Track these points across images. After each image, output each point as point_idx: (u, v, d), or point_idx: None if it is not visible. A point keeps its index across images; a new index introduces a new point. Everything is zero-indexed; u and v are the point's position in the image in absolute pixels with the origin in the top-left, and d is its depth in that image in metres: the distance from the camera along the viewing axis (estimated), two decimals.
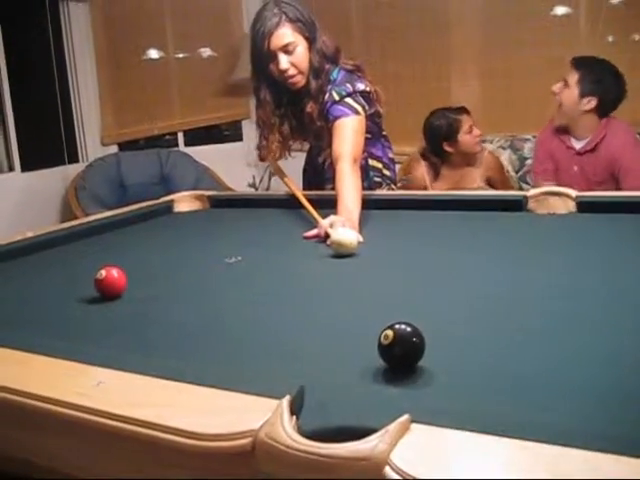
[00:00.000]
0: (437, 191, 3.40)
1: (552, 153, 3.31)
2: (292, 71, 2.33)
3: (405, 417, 0.76)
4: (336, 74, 2.38)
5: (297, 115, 2.50)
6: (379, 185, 2.71)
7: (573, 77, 3.11)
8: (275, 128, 2.47)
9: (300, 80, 2.37)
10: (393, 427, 0.74)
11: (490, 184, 3.65)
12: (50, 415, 0.91)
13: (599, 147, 3.13)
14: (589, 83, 3.07)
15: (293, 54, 2.31)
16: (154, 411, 0.86)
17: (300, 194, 2.37)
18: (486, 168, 3.63)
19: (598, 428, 0.79)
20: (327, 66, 2.38)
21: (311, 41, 2.35)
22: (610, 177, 3.11)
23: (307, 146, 2.79)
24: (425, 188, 3.64)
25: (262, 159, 2.60)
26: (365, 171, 2.65)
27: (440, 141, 3.54)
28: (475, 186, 3.57)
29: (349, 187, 2.13)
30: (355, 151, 2.25)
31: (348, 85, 2.35)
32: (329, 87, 2.36)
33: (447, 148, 3.54)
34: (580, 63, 3.14)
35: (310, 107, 2.39)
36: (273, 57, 2.31)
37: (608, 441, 0.72)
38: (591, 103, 3.08)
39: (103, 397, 0.92)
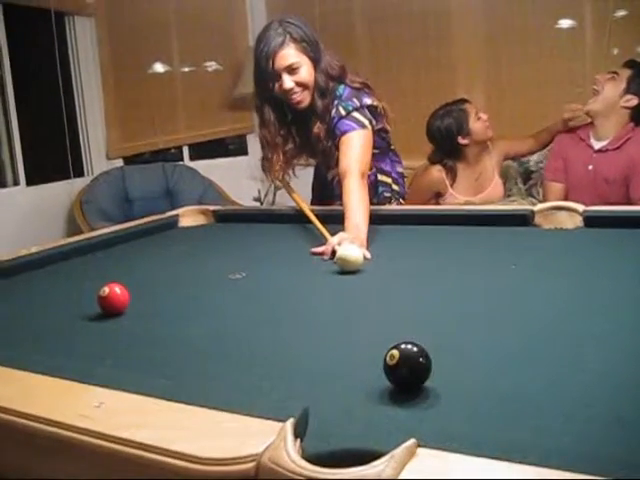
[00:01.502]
0: (442, 206, 3.37)
1: (565, 151, 3.34)
2: (296, 91, 2.32)
3: (412, 441, 0.75)
4: (342, 90, 2.38)
5: (302, 134, 2.49)
6: (388, 200, 2.70)
7: (625, 72, 3.17)
8: (279, 148, 2.46)
9: (304, 100, 2.35)
10: (399, 452, 0.72)
11: (508, 156, 3.66)
12: (50, 437, 0.90)
13: (622, 147, 3.15)
14: (638, 84, 3.14)
15: (297, 74, 2.30)
16: (156, 434, 0.85)
17: (308, 210, 2.35)
18: (498, 153, 3.60)
19: (617, 455, 0.77)
20: (332, 85, 2.37)
21: (315, 61, 2.34)
22: (623, 178, 3.13)
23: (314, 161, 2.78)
24: (441, 194, 3.57)
25: (267, 175, 2.58)
26: (374, 186, 2.64)
27: (454, 137, 3.45)
28: (492, 185, 3.54)
29: (356, 203, 2.12)
30: (362, 165, 2.24)
31: (355, 100, 2.35)
32: (335, 103, 2.36)
33: (462, 142, 3.45)
34: (635, 63, 3.21)
35: (317, 128, 2.38)
36: (277, 77, 2.30)
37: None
38: (632, 101, 3.14)
39: (104, 419, 0.91)
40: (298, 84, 2.31)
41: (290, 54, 2.28)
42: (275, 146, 2.46)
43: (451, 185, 3.55)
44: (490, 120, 3.53)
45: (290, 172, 2.56)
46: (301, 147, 2.53)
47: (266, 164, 2.51)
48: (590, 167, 3.23)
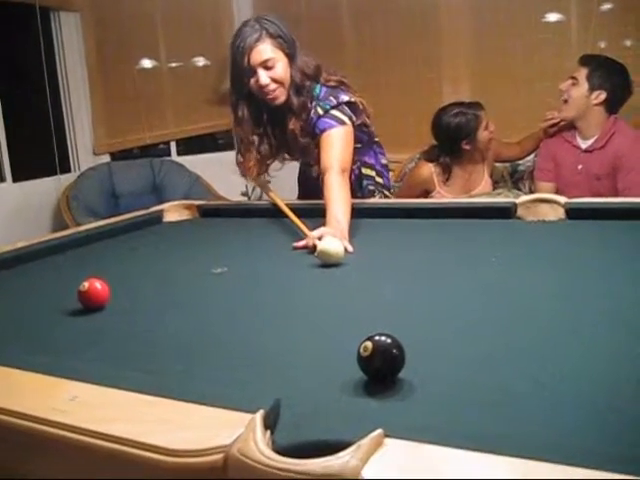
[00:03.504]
0: (426, 199, 3.36)
1: (554, 153, 3.36)
2: (272, 87, 2.31)
3: (378, 432, 0.75)
4: (318, 90, 2.38)
5: (278, 133, 2.48)
6: (373, 193, 2.70)
7: (582, 73, 3.18)
8: (253, 147, 2.45)
9: (280, 96, 2.35)
10: (366, 442, 0.72)
11: (498, 159, 3.67)
12: (24, 432, 0.90)
13: (607, 144, 3.17)
14: (598, 77, 3.15)
15: (273, 70, 2.30)
16: (126, 426, 0.85)
17: (286, 208, 2.33)
18: (491, 154, 3.59)
19: (584, 443, 0.78)
20: (308, 83, 2.37)
21: (291, 58, 2.34)
22: (612, 171, 3.15)
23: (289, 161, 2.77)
24: (430, 191, 3.55)
25: (243, 175, 2.57)
26: (359, 180, 2.65)
27: (459, 140, 3.39)
28: (482, 185, 3.54)
29: (337, 198, 2.12)
30: (343, 161, 2.24)
31: (332, 98, 2.35)
32: (313, 104, 2.36)
33: (465, 146, 3.40)
34: (588, 59, 3.23)
35: (293, 124, 2.38)
36: (253, 73, 2.30)
37: (596, 456, 0.71)
38: (600, 97, 3.15)
39: (77, 412, 0.90)
40: (274, 80, 2.31)
41: (266, 49, 2.28)
42: (249, 145, 2.45)
43: (443, 183, 3.52)
44: None
45: (264, 171, 2.55)
46: (278, 147, 2.53)
47: (240, 163, 2.51)
48: (580, 167, 3.25)
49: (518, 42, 4.23)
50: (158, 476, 0.80)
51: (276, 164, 2.63)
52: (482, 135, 3.41)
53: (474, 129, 3.38)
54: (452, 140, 3.42)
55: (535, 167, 3.59)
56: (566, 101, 3.24)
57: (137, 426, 0.85)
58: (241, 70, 2.31)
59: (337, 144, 2.27)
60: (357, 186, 2.63)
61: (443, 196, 3.49)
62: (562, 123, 3.33)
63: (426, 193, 3.57)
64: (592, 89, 3.15)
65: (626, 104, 3.23)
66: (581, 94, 3.18)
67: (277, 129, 2.48)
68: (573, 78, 3.21)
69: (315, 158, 2.40)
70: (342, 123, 2.31)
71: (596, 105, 3.17)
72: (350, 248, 1.87)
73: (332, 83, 2.40)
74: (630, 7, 3.94)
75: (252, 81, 2.32)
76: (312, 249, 1.87)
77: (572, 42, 4.12)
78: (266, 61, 2.28)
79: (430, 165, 3.54)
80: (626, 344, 1.11)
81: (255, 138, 2.46)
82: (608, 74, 3.16)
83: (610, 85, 3.15)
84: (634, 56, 3.89)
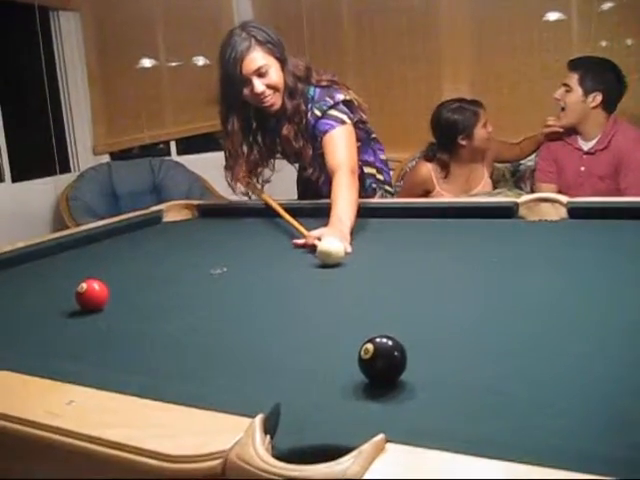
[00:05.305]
0: (427, 199, 3.35)
1: (556, 156, 3.34)
2: (267, 93, 2.30)
3: (380, 437, 0.74)
4: (313, 92, 2.37)
5: (268, 141, 2.47)
6: (375, 191, 2.69)
7: (573, 79, 3.16)
8: (241, 159, 2.44)
9: (276, 103, 2.34)
10: (367, 447, 0.71)
11: (499, 161, 3.66)
12: (18, 436, 0.88)
13: (609, 145, 3.15)
14: (590, 80, 3.13)
15: (267, 77, 2.28)
16: (124, 431, 0.83)
17: (280, 209, 2.32)
18: (491, 155, 3.59)
19: (586, 448, 0.76)
20: (300, 86, 2.35)
21: (282, 62, 2.33)
22: (615, 172, 3.14)
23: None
24: (430, 191, 3.54)
25: (231, 186, 2.54)
26: (362, 180, 2.63)
27: (455, 135, 3.39)
28: (481, 185, 3.53)
29: (343, 197, 2.10)
30: (350, 160, 2.23)
31: (327, 98, 2.34)
32: (309, 106, 2.35)
33: (461, 142, 3.40)
34: (576, 64, 3.20)
35: (286, 129, 2.37)
36: (247, 82, 2.28)
37: (599, 463, 0.70)
38: (597, 99, 3.13)
39: (74, 417, 0.89)
40: (269, 87, 2.30)
41: (258, 57, 2.26)
42: (238, 157, 2.44)
43: (442, 181, 3.51)
44: None
45: (255, 181, 2.54)
46: (268, 154, 2.52)
47: (229, 175, 2.50)
48: (583, 168, 3.23)
49: (519, 41, 4.21)
50: None
51: (266, 171, 2.61)
52: (479, 133, 3.40)
53: (471, 125, 3.38)
54: (449, 135, 3.42)
55: (536, 168, 3.57)
56: (564, 109, 3.22)
57: (134, 431, 0.84)
58: (234, 81, 2.28)
59: (341, 144, 2.26)
60: (361, 186, 2.61)
61: (443, 196, 3.48)
62: (562, 130, 3.31)
63: (426, 193, 3.55)
64: (587, 93, 3.13)
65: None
66: (577, 100, 3.16)
67: (267, 137, 2.47)
68: (565, 85, 3.19)
69: (309, 161, 2.39)
70: (342, 122, 2.30)
71: (594, 108, 3.15)
72: (349, 249, 1.85)
73: (325, 83, 2.38)
74: (631, 5, 3.93)
75: (247, 91, 2.30)
76: (312, 249, 1.85)
77: (573, 40, 4.10)
78: (259, 69, 2.27)
79: (428, 165, 3.53)
80: (628, 345, 1.10)
81: (244, 148, 2.44)
82: (599, 75, 3.14)
83: (604, 85, 3.13)
84: (635, 54, 3.87)
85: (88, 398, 0.94)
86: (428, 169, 3.52)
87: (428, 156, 3.55)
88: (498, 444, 0.75)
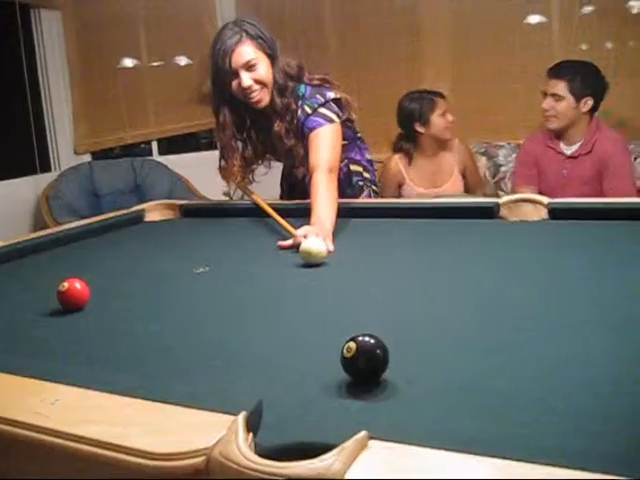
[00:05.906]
0: (409, 199, 3.38)
1: (537, 160, 3.34)
2: (255, 88, 2.30)
3: (363, 434, 0.74)
4: (304, 90, 2.37)
5: (262, 137, 2.47)
6: (362, 188, 2.70)
7: (560, 87, 3.15)
8: (237, 153, 2.44)
9: (263, 98, 2.33)
10: (350, 444, 0.72)
11: (463, 175, 3.67)
12: (5, 436, 0.88)
13: (593, 149, 3.17)
14: (579, 86, 3.13)
15: (255, 71, 2.28)
16: (108, 430, 0.83)
17: (270, 209, 2.32)
18: (461, 156, 3.65)
19: (572, 445, 0.77)
20: (291, 84, 2.36)
21: (273, 58, 2.33)
22: (597, 175, 3.15)
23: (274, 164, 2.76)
24: (401, 183, 3.64)
25: (224, 179, 2.56)
26: (348, 177, 2.64)
27: (412, 121, 3.52)
28: (451, 181, 3.59)
29: (323, 196, 2.11)
30: (331, 160, 2.23)
31: (318, 96, 2.34)
32: (300, 103, 2.35)
33: (418, 129, 3.52)
34: (561, 71, 3.18)
35: (277, 126, 2.37)
36: (235, 75, 2.28)
37: (582, 457, 0.71)
38: (588, 103, 3.14)
39: (58, 416, 0.89)
40: (257, 81, 2.29)
41: (247, 51, 2.26)
42: (232, 150, 2.44)
43: (410, 170, 3.63)
44: (457, 114, 3.56)
45: (249, 177, 2.54)
46: (262, 151, 2.52)
47: (223, 169, 2.50)
48: (565, 172, 3.24)
49: (500, 42, 4.25)
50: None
51: (261, 168, 2.62)
52: (436, 120, 3.50)
53: (427, 112, 3.49)
54: (407, 122, 3.56)
55: (513, 173, 3.58)
56: (555, 116, 3.19)
57: (117, 429, 0.84)
58: (223, 73, 2.28)
59: (325, 143, 2.26)
60: (347, 183, 2.62)
61: (413, 188, 3.55)
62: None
63: (399, 186, 3.67)
64: (578, 99, 3.13)
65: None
66: (569, 107, 3.15)
67: (261, 133, 2.47)
68: (554, 95, 3.16)
69: (300, 160, 2.39)
70: (331, 121, 2.30)
71: (585, 112, 3.15)
72: (332, 248, 1.85)
73: (316, 82, 2.38)
74: (610, 10, 3.97)
75: (234, 84, 2.30)
76: (295, 248, 1.86)
77: (554, 43, 4.14)
78: (248, 62, 2.26)
79: (396, 157, 3.67)
80: (611, 343, 1.11)
81: (239, 144, 2.44)
82: (586, 79, 3.14)
83: (592, 89, 3.14)
84: (615, 57, 3.91)
85: (73, 397, 0.94)
86: (396, 162, 3.66)
87: (395, 147, 3.69)
88: (482, 441, 0.75)
